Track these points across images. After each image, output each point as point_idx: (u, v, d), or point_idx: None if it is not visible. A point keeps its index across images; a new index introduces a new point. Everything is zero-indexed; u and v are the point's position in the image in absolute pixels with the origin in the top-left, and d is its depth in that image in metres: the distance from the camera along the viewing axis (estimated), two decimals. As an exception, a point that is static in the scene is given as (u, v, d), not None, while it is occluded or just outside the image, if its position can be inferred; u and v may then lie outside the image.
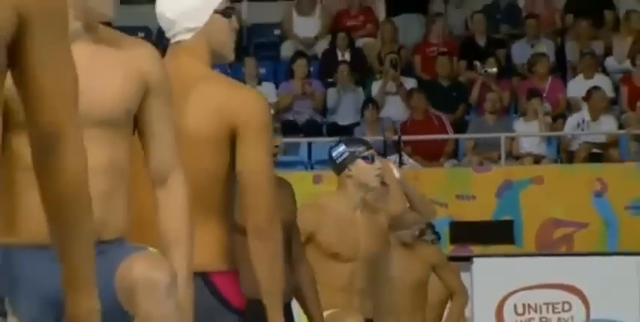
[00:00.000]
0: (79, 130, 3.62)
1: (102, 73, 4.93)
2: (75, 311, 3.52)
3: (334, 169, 9.18)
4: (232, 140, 5.71)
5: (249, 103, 5.76)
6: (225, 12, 5.82)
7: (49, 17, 3.50)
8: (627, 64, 19.10)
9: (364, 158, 9.03)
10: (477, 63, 19.37)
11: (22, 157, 4.71)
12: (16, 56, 3.49)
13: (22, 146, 4.65)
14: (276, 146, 7.96)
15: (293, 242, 7.69)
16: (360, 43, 20.66)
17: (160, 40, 13.57)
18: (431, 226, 12.36)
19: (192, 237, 5.16)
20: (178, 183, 5.09)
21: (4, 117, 4.33)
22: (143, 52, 5.09)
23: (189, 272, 5.07)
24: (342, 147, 9.19)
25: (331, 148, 9.53)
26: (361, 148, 9.19)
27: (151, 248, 4.92)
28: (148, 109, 5.02)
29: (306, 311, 7.99)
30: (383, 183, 10.09)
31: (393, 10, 21.14)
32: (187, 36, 5.81)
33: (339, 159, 9.09)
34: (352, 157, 9.01)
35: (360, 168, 9.00)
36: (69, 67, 3.58)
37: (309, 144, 18.36)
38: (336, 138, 12.17)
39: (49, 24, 3.51)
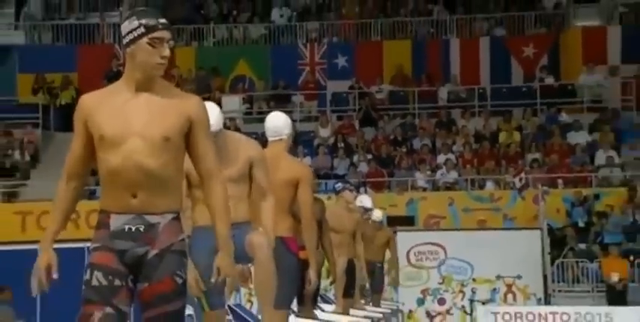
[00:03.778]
0: (222, 175, 3.45)
1: (230, 155, 4.71)
2: (223, 255, 3.43)
3: (335, 193, 9.19)
4: (296, 186, 5.42)
5: (304, 170, 5.59)
6: (289, 133, 5.56)
7: (202, 120, 3.40)
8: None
9: (349, 190, 9.06)
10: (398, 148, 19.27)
11: (195, 192, 4.62)
12: (189, 140, 3.38)
13: (194, 188, 4.59)
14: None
15: (322, 226, 7.22)
16: (350, 141, 19.45)
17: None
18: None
19: (270, 224, 4.83)
20: (270, 199, 4.83)
21: (187, 177, 4.42)
22: (251, 145, 4.87)
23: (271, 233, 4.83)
24: (339, 184, 9.29)
25: (334, 184, 9.97)
26: (348, 185, 9.28)
27: (260, 229, 4.73)
28: (253, 172, 4.81)
29: (328, 259, 7.55)
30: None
31: (363, 124, 19.95)
32: (276, 137, 5.52)
33: (337, 189, 9.09)
34: (343, 188, 8.99)
35: (347, 194, 8.95)
36: (211, 143, 3.42)
37: (325, 183, 17.12)
38: (337, 180, 12.14)
39: (202, 124, 3.40)
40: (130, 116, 3.35)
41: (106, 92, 3.45)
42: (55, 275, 3.36)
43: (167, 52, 3.35)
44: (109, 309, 3.30)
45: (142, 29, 3.35)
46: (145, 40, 3.34)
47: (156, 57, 3.35)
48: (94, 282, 3.34)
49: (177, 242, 3.38)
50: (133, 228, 3.36)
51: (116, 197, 3.37)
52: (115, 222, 3.38)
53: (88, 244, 3.45)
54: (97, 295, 3.32)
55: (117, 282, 3.34)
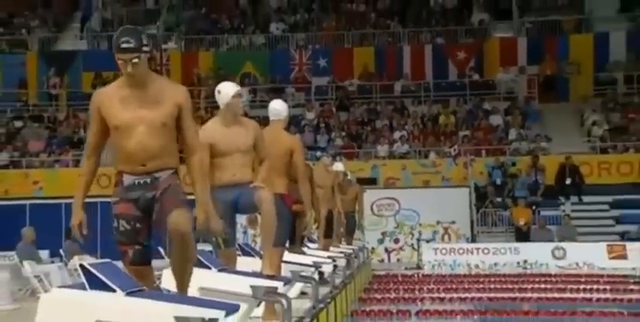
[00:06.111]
0: (201, 148, 3.40)
1: (238, 132, 4.48)
2: (200, 210, 3.33)
3: (316, 160, 9.09)
4: (291, 154, 5.21)
5: (297, 141, 5.36)
6: (286, 115, 5.33)
7: (187, 106, 3.30)
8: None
9: (326, 157, 8.95)
10: (365, 127, 18.97)
11: (215, 160, 4.38)
12: (178, 122, 3.29)
13: (214, 157, 4.37)
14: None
15: (311, 186, 6.39)
16: (329, 122, 18.79)
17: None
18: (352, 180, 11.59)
19: (263, 176, 4.53)
20: (266, 162, 4.58)
21: (211, 149, 4.30)
22: (253, 125, 4.57)
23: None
24: (318, 152, 9.58)
25: (317, 153, 10.04)
26: (327, 154, 9.43)
27: (266, 187, 4.48)
28: (256, 146, 4.53)
29: (314, 210, 6.88)
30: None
31: (339, 109, 19.47)
32: (276, 118, 5.29)
33: (319, 156, 9.06)
34: (322, 155, 8.98)
35: (324, 159, 8.79)
36: (193, 123, 3.33)
37: (310, 154, 15.44)
38: (319, 151, 12.47)
39: (187, 108, 3.30)
40: (135, 108, 3.27)
41: (114, 87, 3.33)
42: (84, 231, 3.31)
43: (128, 69, 3.20)
44: (137, 246, 3.32)
45: (113, 47, 3.27)
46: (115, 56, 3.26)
47: (124, 70, 3.24)
48: (121, 228, 3.33)
49: (174, 183, 3.32)
50: (142, 181, 3.32)
51: (129, 165, 3.35)
52: (127, 179, 3.35)
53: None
54: (125, 237, 3.32)
55: (138, 225, 3.32)
